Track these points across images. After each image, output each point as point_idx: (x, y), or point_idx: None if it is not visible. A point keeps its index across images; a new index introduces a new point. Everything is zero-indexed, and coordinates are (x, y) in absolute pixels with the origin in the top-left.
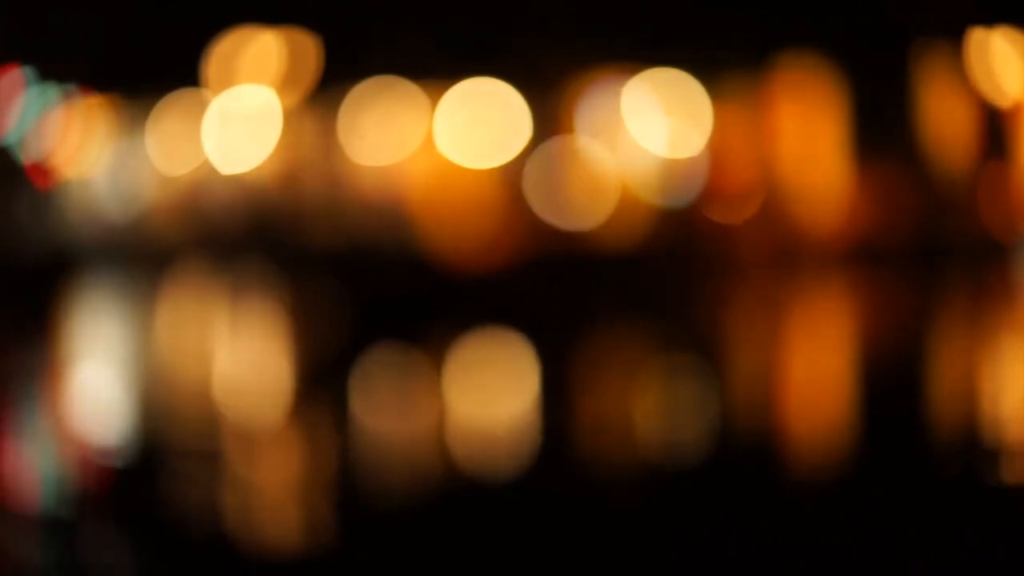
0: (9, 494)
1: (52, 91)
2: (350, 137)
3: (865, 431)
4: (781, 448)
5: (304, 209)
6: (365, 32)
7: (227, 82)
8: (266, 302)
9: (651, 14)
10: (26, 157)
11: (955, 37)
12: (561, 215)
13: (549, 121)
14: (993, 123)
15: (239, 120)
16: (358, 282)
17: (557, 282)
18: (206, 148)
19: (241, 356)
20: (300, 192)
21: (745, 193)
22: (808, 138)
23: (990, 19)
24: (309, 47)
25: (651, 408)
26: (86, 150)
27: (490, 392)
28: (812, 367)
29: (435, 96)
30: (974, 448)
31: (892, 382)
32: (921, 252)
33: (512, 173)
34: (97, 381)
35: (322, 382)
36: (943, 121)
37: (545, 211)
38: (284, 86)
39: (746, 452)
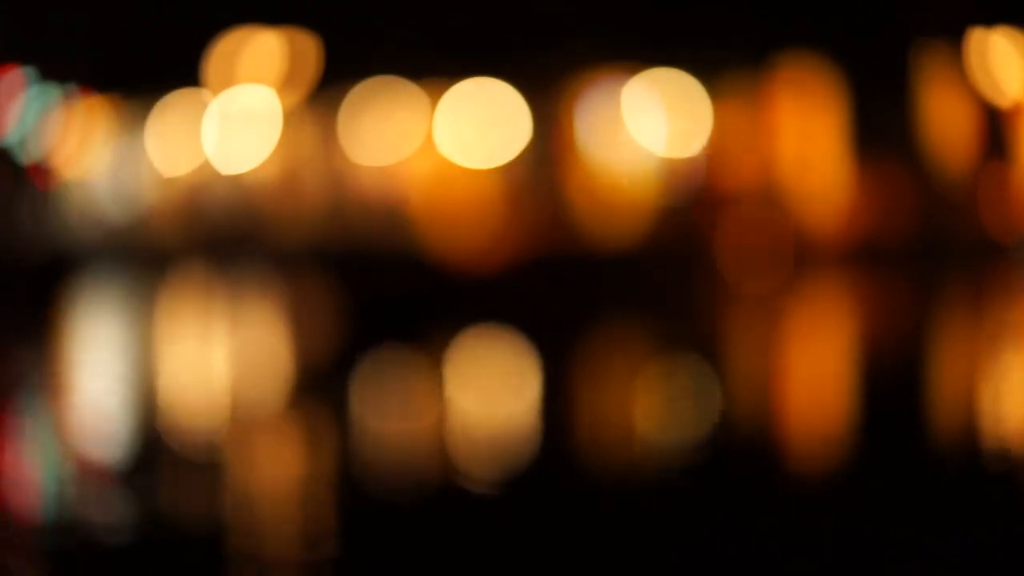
0: (10, 495)
1: (52, 91)
2: (350, 137)
3: (865, 431)
4: (781, 448)
5: (304, 209)
6: (365, 32)
7: (227, 82)
8: (266, 302)
9: (651, 14)
10: (26, 157)
11: (955, 37)
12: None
13: (549, 121)
14: (993, 123)
15: (239, 120)
16: (358, 282)
17: (557, 282)
18: (206, 148)
19: (241, 356)
20: (300, 192)
21: (745, 193)
22: (808, 138)
23: (990, 19)
24: (309, 47)
25: (651, 408)
26: (86, 150)
27: (490, 392)
28: (812, 367)
29: (435, 96)
30: (974, 448)
31: (892, 382)
32: (921, 252)
33: (512, 173)
34: (97, 381)
35: (322, 382)
36: (943, 121)
37: (543, 210)
38: (284, 86)
39: (746, 452)
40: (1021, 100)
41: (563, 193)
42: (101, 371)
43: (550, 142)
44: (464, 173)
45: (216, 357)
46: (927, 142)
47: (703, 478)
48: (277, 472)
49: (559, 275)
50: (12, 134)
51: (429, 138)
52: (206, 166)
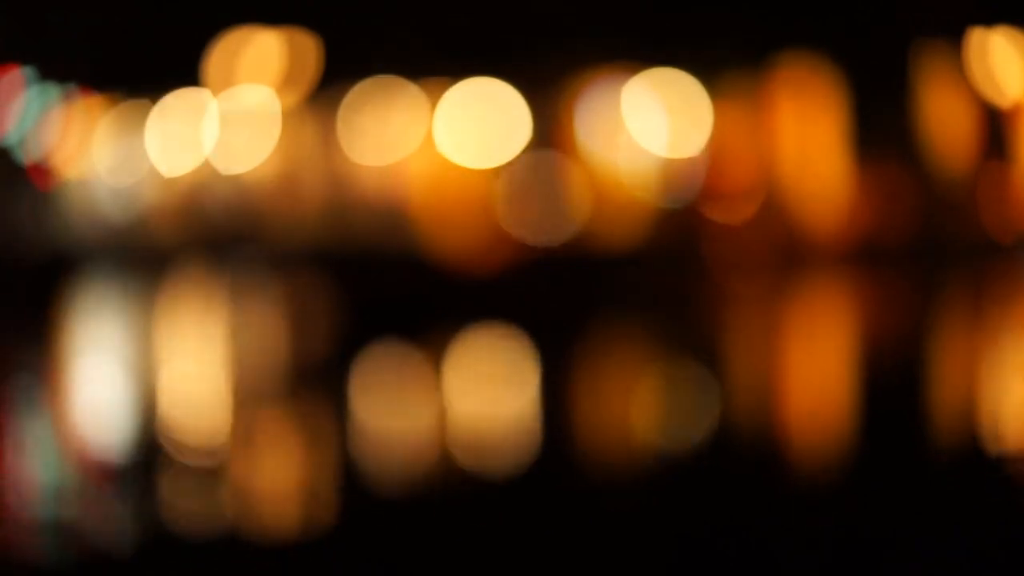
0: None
1: (52, 91)
2: (350, 137)
3: (865, 431)
4: (781, 448)
5: (304, 209)
6: (365, 32)
7: (227, 82)
8: (265, 302)
9: (651, 14)
10: (26, 157)
11: (955, 37)
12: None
13: (549, 121)
14: (993, 123)
15: (239, 120)
16: (358, 282)
17: (557, 282)
18: (206, 148)
19: (240, 356)
20: (300, 192)
21: (745, 193)
22: (808, 138)
23: (990, 19)
24: (309, 47)
25: (651, 408)
26: (86, 150)
27: (490, 391)
28: (812, 367)
29: (435, 96)
30: (974, 448)
31: (892, 382)
32: (921, 252)
33: (512, 173)
34: (97, 381)
35: (322, 382)
36: (943, 121)
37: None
38: (284, 86)
39: (745, 452)
40: (1021, 100)
41: (563, 193)
42: (101, 371)
43: (550, 142)
44: (464, 173)
45: (216, 356)
46: (927, 142)
47: (702, 478)
48: (277, 471)
49: (559, 275)
50: (12, 134)
51: (429, 138)
52: (206, 166)
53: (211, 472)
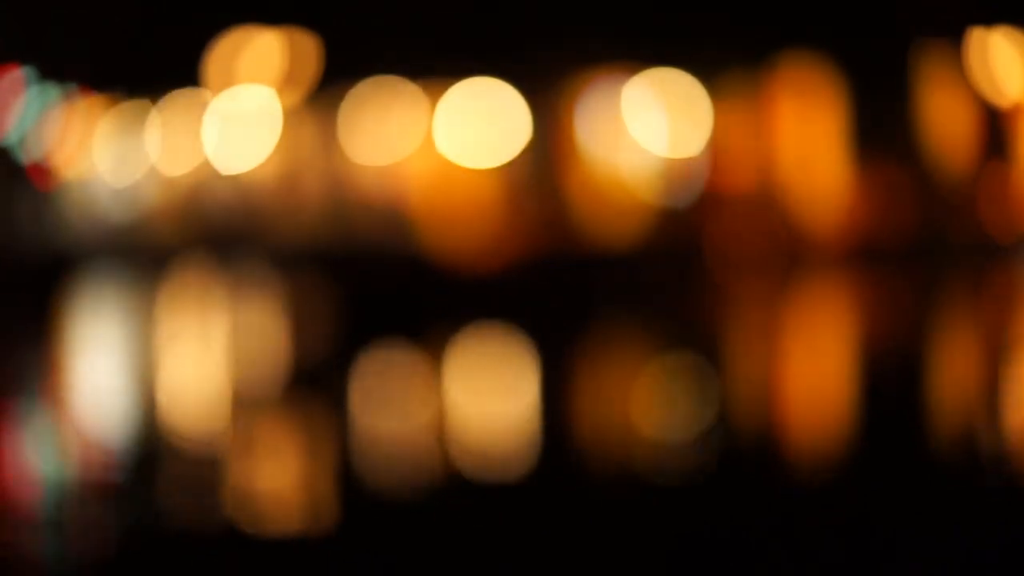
0: (11, 492)
1: (52, 91)
2: (350, 137)
3: (865, 431)
4: (781, 448)
5: (304, 209)
6: (365, 32)
7: (227, 82)
8: (265, 302)
9: (651, 14)
10: (26, 157)
11: (955, 37)
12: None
13: (549, 121)
14: (993, 123)
15: (239, 120)
16: (358, 281)
17: (557, 282)
18: (206, 148)
19: (240, 355)
20: (300, 192)
21: (745, 193)
22: (808, 138)
23: (990, 19)
24: (309, 47)
25: (650, 407)
26: (86, 150)
27: (490, 391)
28: (812, 367)
29: (435, 96)
30: (974, 447)
31: (892, 382)
32: (921, 252)
33: (512, 173)
34: (97, 380)
35: (322, 381)
36: (943, 121)
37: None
38: (284, 86)
39: (745, 452)
40: (1021, 100)
41: (563, 193)
42: (101, 370)
43: (550, 142)
44: (464, 173)
45: (216, 356)
46: (927, 142)
47: (702, 477)
48: (276, 469)
49: (559, 275)
50: (12, 134)
51: (429, 138)
52: (206, 166)
53: (211, 472)
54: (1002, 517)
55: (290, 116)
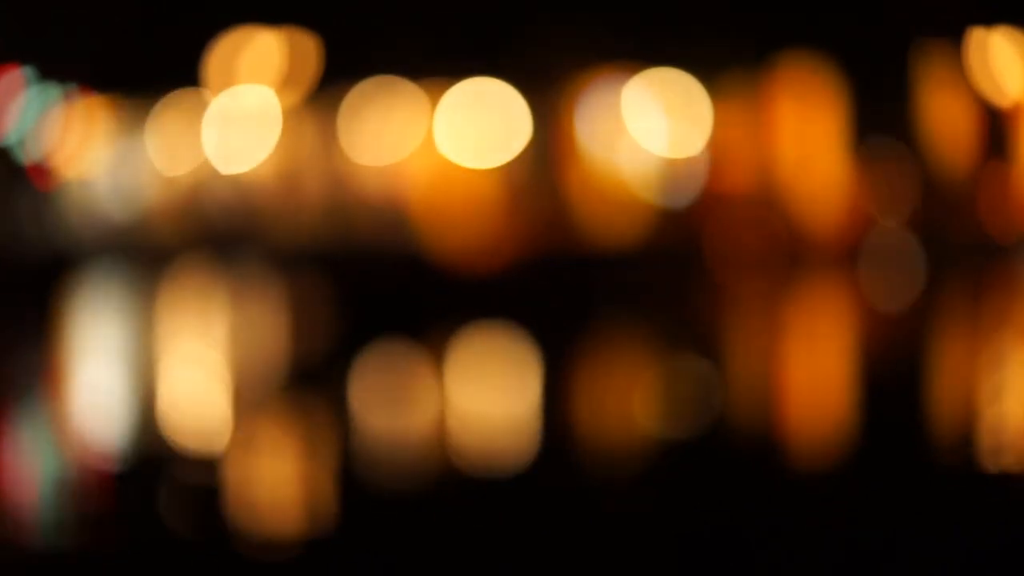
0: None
1: (52, 91)
2: (350, 137)
3: (865, 430)
4: (781, 447)
5: (304, 209)
6: (365, 32)
7: (227, 82)
8: (265, 302)
9: (651, 14)
10: (26, 157)
11: (955, 37)
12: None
13: (549, 121)
14: (993, 123)
15: (239, 120)
16: (358, 281)
17: (557, 281)
18: (206, 148)
19: (240, 355)
20: (300, 192)
21: (745, 193)
22: (808, 138)
23: (990, 19)
24: (309, 47)
25: (650, 407)
26: (86, 150)
27: (490, 391)
28: (812, 366)
29: (435, 96)
30: (974, 446)
31: (892, 382)
32: (921, 252)
33: (512, 173)
34: (97, 381)
35: (322, 381)
36: (943, 121)
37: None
38: (284, 86)
39: (745, 451)
40: (1021, 100)
41: (563, 193)
42: (101, 371)
43: (550, 142)
44: (464, 173)
45: (216, 356)
46: (927, 142)
47: (701, 477)
48: (276, 468)
49: (559, 275)
50: (12, 134)
51: (429, 138)
52: (206, 166)
53: (211, 472)
54: (1002, 517)
55: (290, 116)
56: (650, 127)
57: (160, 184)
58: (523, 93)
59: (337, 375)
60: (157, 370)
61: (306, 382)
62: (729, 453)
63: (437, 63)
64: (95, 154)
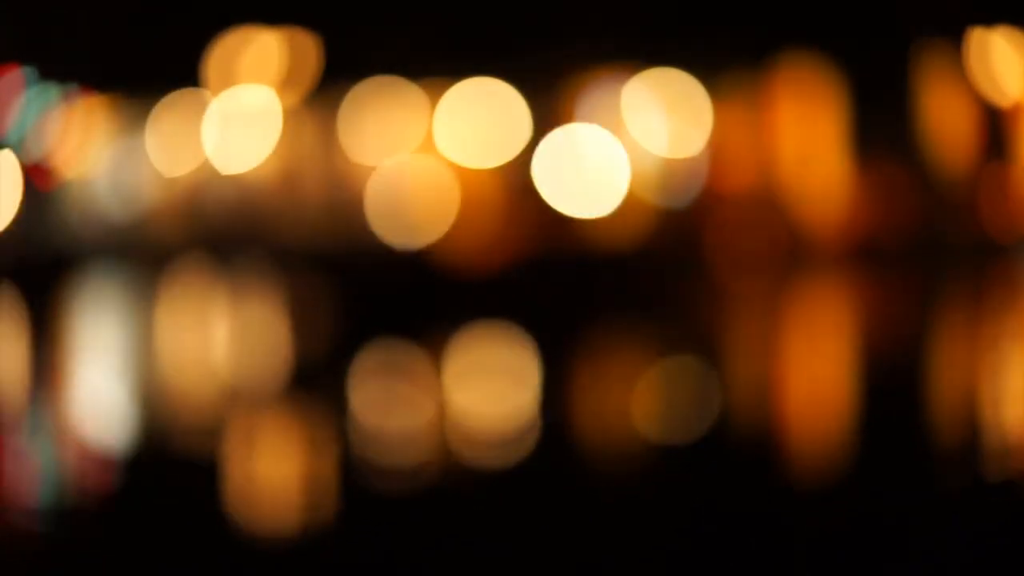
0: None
1: (52, 91)
2: (350, 137)
3: (865, 432)
4: (781, 449)
5: (304, 209)
6: (365, 32)
7: (227, 82)
8: (265, 301)
9: (651, 14)
10: (26, 157)
11: (955, 37)
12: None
13: (549, 121)
14: (993, 123)
15: (239, 120)
16: (358, 281)
17: (557, 281)
18: (206, 148)
19: (240, 354)
20: (300, 192)
21: (745, 193)
22: (808, 138)
23: (990, 19)
24: (309, 47)
25: (650, 407)
26: (86, 150)
27: (490, 391)
28: (812, 367)
29: (435, 96)
30: (974, 449)
31: (892, 383)
32: (921, 252)
33: (512, 173)
34: (97, 381)
35: (321, 380)
36: (943, 121)
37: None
38: (284, 86)
39: (746, 452)
40: (1021, 100)
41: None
42: (101, 370)
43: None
44: (464, 173)
45: (215, 355)
46: (927, 142)
47: (701, 478)
48: (276, 468)
49: (559, 275)
50: (12, 134)
51: (429, 138)
52: (206, 166)
53: (210, 471)
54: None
55: (290, 116)
56: (650, 127)
57: (160, 184)
58: (523, 93)
59: (337, 375)
60: (157, 370)
61: (306, 382)
62: (729, 454)
63: (437, 63)
64: (95, 154)
